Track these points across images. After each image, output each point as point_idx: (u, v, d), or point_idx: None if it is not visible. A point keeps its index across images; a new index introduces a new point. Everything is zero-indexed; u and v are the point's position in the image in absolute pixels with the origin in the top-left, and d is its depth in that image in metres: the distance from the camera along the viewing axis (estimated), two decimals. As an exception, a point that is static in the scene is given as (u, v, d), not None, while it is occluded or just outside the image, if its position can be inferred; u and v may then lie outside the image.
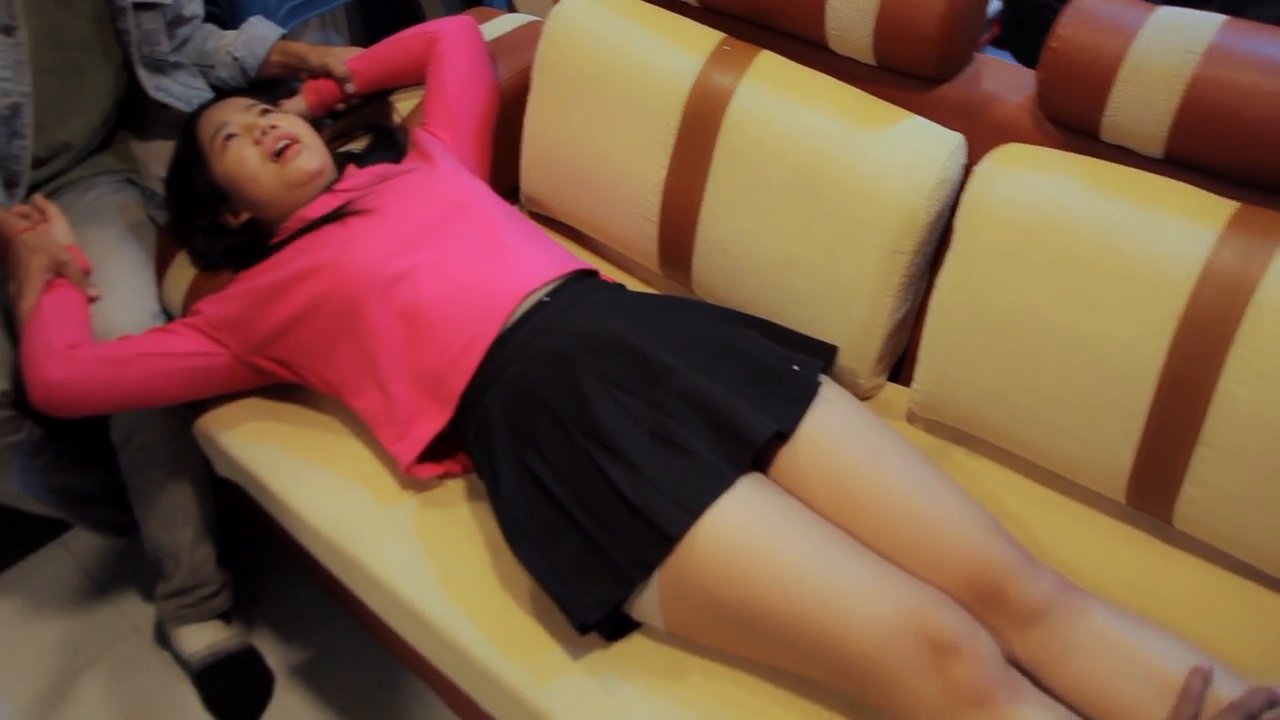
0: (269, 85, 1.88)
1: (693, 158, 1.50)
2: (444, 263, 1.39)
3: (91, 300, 1.53)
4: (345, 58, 1.78)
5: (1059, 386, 1.27)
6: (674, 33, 1.54)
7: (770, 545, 1.15)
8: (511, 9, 2.64)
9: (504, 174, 1.77)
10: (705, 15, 1.56)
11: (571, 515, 1.22)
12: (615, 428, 1.23)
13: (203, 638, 1.75)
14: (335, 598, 1.74)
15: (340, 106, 1.81)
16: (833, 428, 1.28)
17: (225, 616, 1.79)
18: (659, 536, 1.16)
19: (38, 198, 1.60)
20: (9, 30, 1.56)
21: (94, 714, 1.78)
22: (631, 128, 1.54)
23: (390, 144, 1.71)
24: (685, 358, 1.29)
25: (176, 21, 1.77)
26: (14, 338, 1.63)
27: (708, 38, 1.52)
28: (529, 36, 1.87)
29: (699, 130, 1.49)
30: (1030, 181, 1.29)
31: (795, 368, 1.33)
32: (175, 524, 1.68)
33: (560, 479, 1.24)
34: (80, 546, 2.03)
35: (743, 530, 1.16)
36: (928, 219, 1.37)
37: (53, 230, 1.55)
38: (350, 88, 1.77)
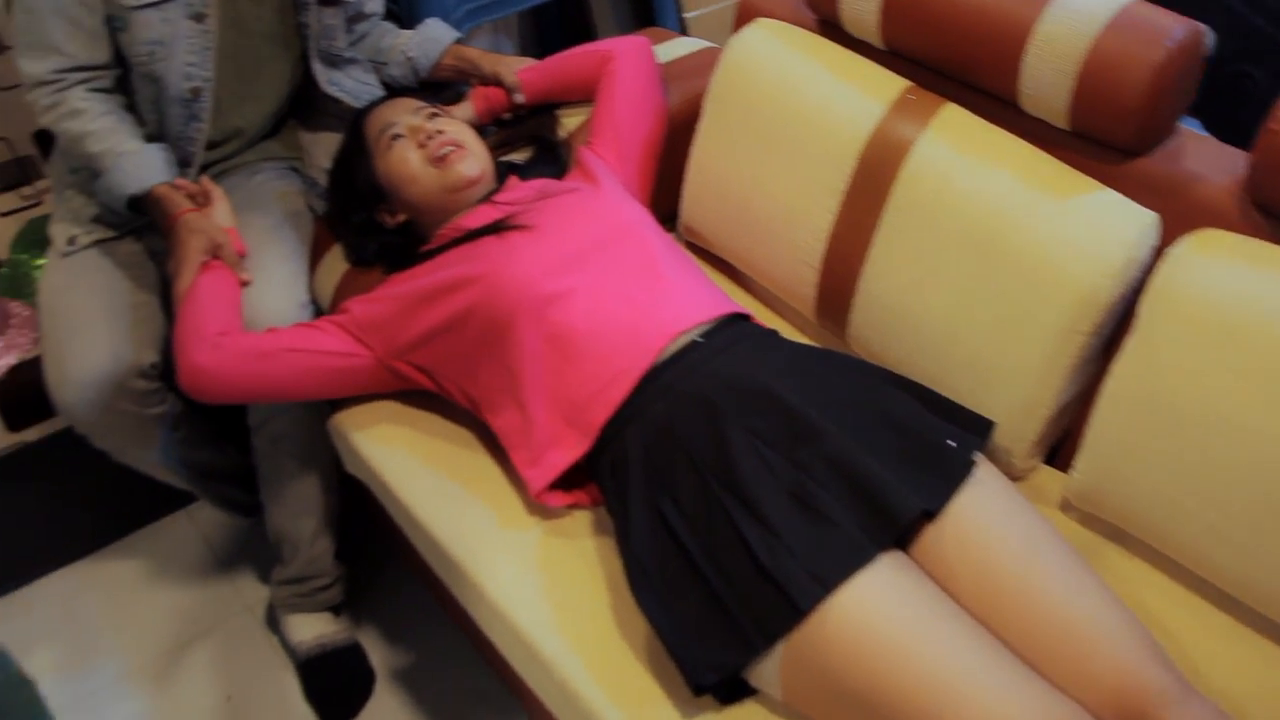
0: (438, 87, 1.89)
1: (864, 207, 1.44)
2: (599, 288, 1.36)
3: (243, 284, 1.55)
4: (517, 67, 1.77)
5: (1239, 498, 1.17)
6: (856, 75, 1.48)
7: (905, 633, 1.08)
8: (684, 32, 2.61)
9: (661, 200, 1.73)
10: (890, 60, 1.50)
11: (700, 569, 1.17)
12: (755, 484, 1.18)
13: (311, 628, 1.76)
14: (444, 606, 1.73)
15: (506, 115, 1.80)
16: (985, 513, 1.20)
17: (335, 609, 1.80)
18: (788, 606, 1.11)
19: (204, 179, 1.63)
20: (200, 18, 1.58)
21: (197, 687, 1.80)
22: (802, 168, 1.49)
23: (553, 158, 1.70)
24: (836, 419, 1.24)
25: (357, 18, 1.79)
26: (168, 312, 1.67)
27: (891, 84, 1.46)
28: (703, 63, 1.83)
29: (874, 179, 1.43)
30: (1229, 272, 1.20)
31: (951, 443, 1.26)
32: (299, 513, 1.69)
33: (692, 529, 1.20)
34: (204, 518, 2.06)
35: (878, 612, 1.09)
36: (1110, 300, 1.29)
37: (214, 213, 1.57)
38: (519, 98, 1.76)
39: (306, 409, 1.63)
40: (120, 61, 1.63)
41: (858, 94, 1.46)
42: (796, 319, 1.66)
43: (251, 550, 1.99)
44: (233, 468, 1.82)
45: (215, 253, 1.53)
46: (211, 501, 1.84)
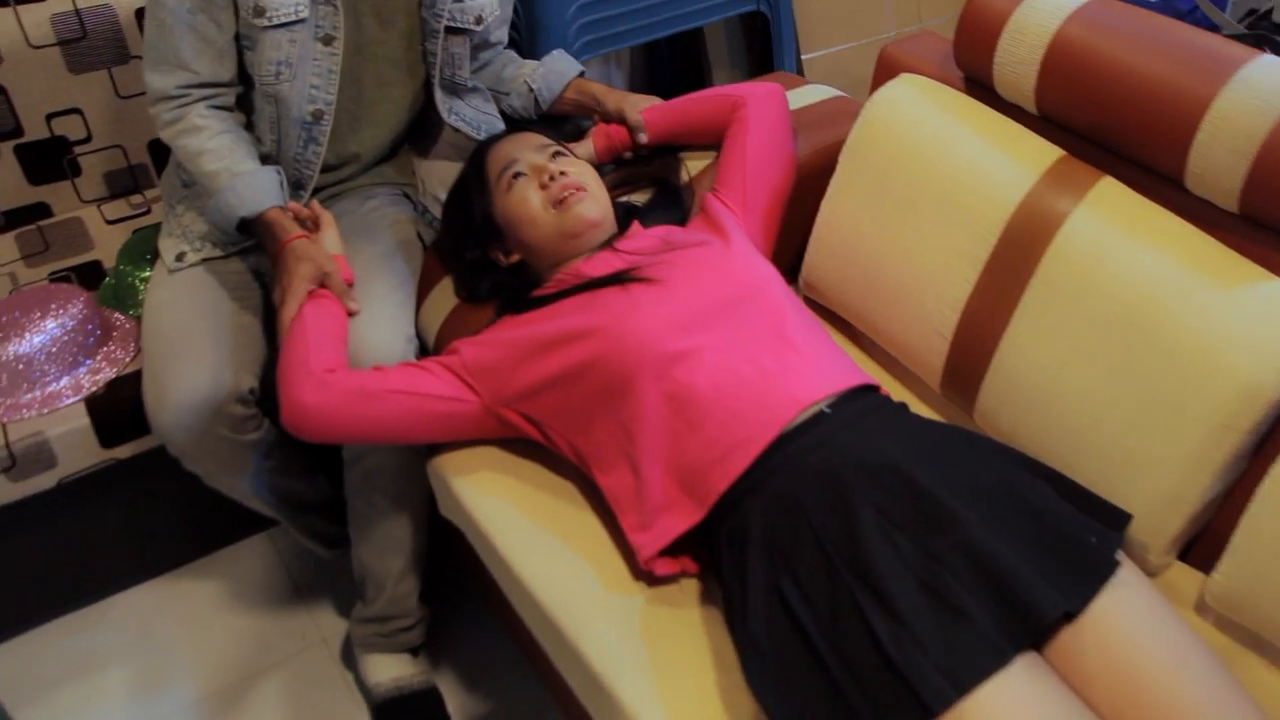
0: (557, 120, 1.85)
1: (1006, 279, 1.37)
2: (726, 351, 1.29)
3: (350, 314, 1.51)
4: (641, 106, 1.72)
5: None
6: (1006, 140, 1.41)
7: (1043, 745, 1.00)
8: (800, 73, 2.56)
9: (779, 251, 1.67)
10: (1043, 127, 1.42)
11: (821, 657, 1.10)
12: (886, 571, 1.11)
13: (389, 669, 1.70)
14: (530, 659, 1.67)
15: (627, 155, 1.75)
16: (1129, 618, 1.12)
17: (414, 650, 1.74)
18: (916, 707, 1.03)
19: (314, 204, 1.59)
20: (329, 40, 1.56)
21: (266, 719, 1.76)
22: (941, 233, 1.42)
23: (675, 203, 1.64)
24: (973, 506, 1.16)
25: (482, 46, 1.76)
26: (269, 336, 1.63)
27: (1044, 152, 1.39)
28: (832, 113, 1.77)
29: (1019, 251, 1.35)
30: None
31: (1092, 538, 1.17)
32: (387, 552, 1.64)
33: (815, 614, 1.13)
34: (285, 544, 2.02)
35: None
36: (1274, 397, 1.20)
37: (324, 239, 1.54)
38: (642, 138, 1.71)
39: (403, 447, 1.58)
40: (243, 80, 1.60)
41: (1008, 160, 1.39)
42: (917, 386, 1.58)
43: (330, 581, 1.95)
44: (321, 499, 1.78)
45: (323, 281, 1.49)
46: (296, 531, 1.80)
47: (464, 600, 1.89)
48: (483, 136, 1.73)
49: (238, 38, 1.56)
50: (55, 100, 1.92)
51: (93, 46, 1.92)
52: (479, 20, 1.66)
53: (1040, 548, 1.15)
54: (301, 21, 1.53)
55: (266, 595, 1.95)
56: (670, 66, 2.80)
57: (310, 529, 1.80)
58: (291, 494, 1.73)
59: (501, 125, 1.79)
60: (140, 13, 1.93)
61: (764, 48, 2.56)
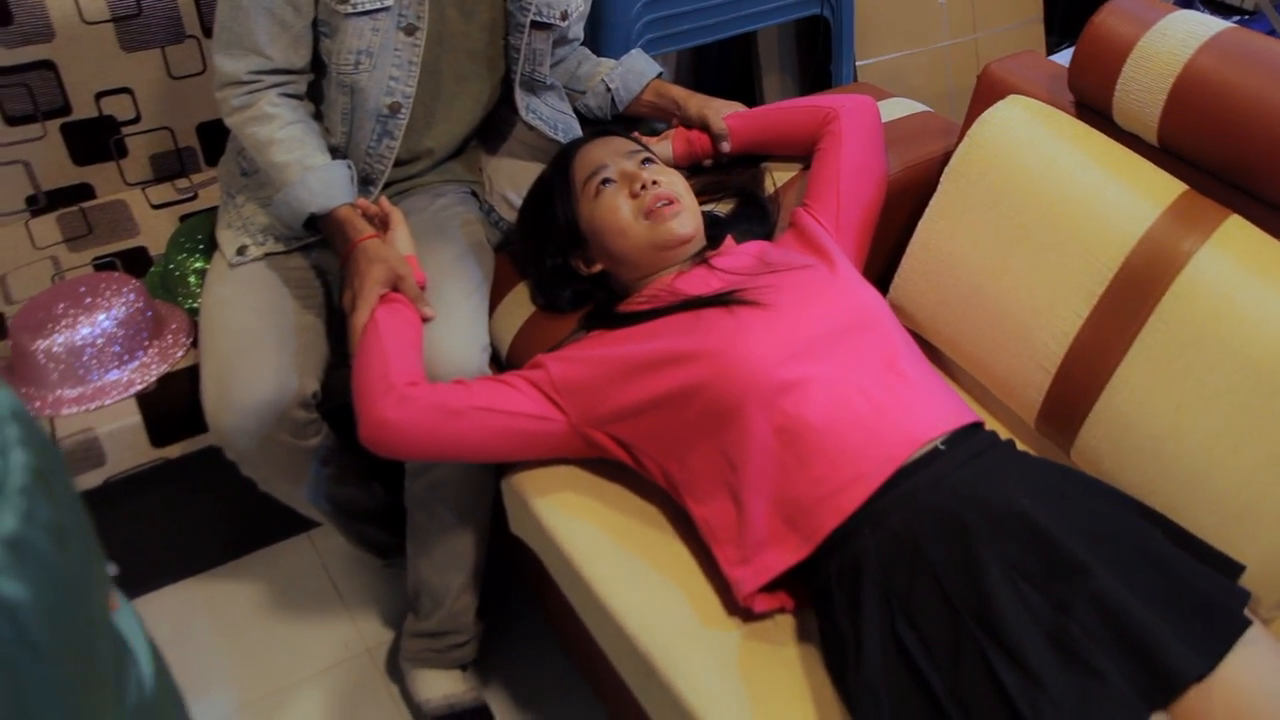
0: (631, 121, 1.79)
1: (1121, 316, 1.32)
2: (838, 382, 1.24)
3: (424, 319, 1.44)
4: (724, 112, 1.66)
5: None
6: (1127, 171, 1.35)
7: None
8: (855, 79, 2.50)
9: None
10: (1165, 160, 1.37)
11: (943, 709, 1.05)
12: (1013, 621, 1.06)
13: (440, 686, 1.64)
14: (591, 682, 1.61)
15: (706, 162, 1.69)
16: (1260, 679, 1.07)
17: (464, 666, 1.68)
18: (1050, 767, 0.99)
19: (384, 201, 1.52)
20: (412, 30, 1.49)
21: (308, 732, 1.70)
22: (1052, 264, 1.37)
23: (761, 216, 1.58)
24: (1099, 554, 1.11)
25: (560, 42, 1.69)
26: (332, 338, 1.57)
27: (1167, 186, 1.33)
28: (920, 128, 1.72)
29: (1138, 288, 1.30)
30: None
31: (1221, 593, 1.13)
32: (447, 567, 1.58)
33: (935, 662, 1.08)
34: (327, 547, 1.96)
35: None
36: None
37: (395, 238, 1.47)
38: (725, 147, 1.65)
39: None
40: (315, 68, 1.53)
41: (1129, 192, 1.33)
42: (1008, 418, 1.53)
43: (374, 587, 1.88)
44: (377, 507, 1.71)
45: (396, 284, 1.42)
46: (349, 539, 1.73)
47: (517, 615, 1.83)
48: (559, 135, 1.67)
49: (315, 23, 1.49)
50: (105, 79, 1.85)
51: (147, 24, 1.84)
52: (564, 16, 1.60)
53: (1168, 601, 1.10)
54: (385, 9, 1.46)
55: (307, 600, 1.88)
56: (718, 67, 2.73)
57: (364, 537, 1.73)
58: (348, 502, 1.66)
59: (578, 126, 1.72)
60: (200, -9, 1.86)
61: (816, 52, 2.50)
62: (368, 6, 1.45)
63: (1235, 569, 1.23)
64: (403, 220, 1.50)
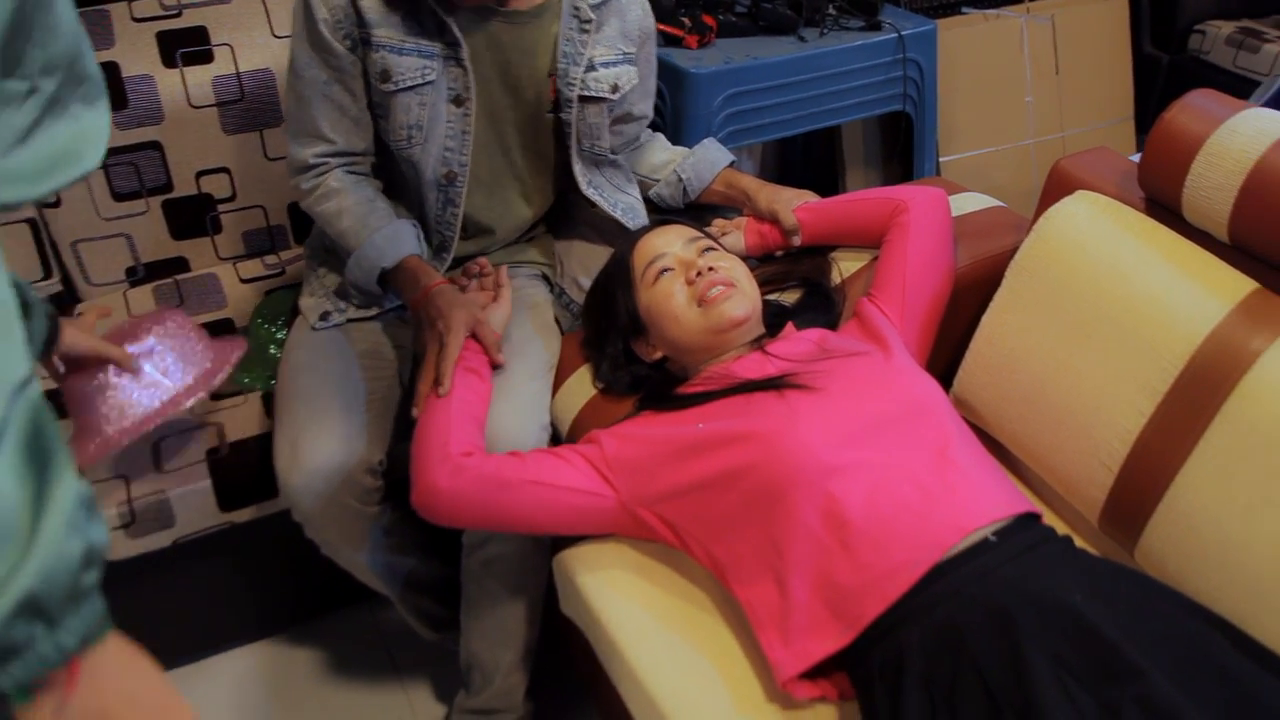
0: (702, 210, 1.81)
1: (1186, 414, 1.28)
2: (887, 468, 1.22)
3: (495, 367, 1.48)
4: (794, 204, 1.68)
5: None
6: (1195, 268, 1.33)
7: None
8: (938, 174, 2.50)
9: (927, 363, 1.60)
10: (1234, 256, 1.34)
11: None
12: (1058, 722, 1.02)
13: (487, 764, 1.63)
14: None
15: (778, 253, 1.71)
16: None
17: (512, 746, 1.67)
18: None
19: (503, 272, 1.58)
20: (460, 101, 1.55)
21: (356, 803, 1.69)
22: (1117, 360, 1.34)
23: (826, 306, 1.58)
24: (1154, 657, 1.06)
25: (624, 118, 1.72)
26: (399, 414, 1.60)
27: (1237, 283, 1.30)
28: (991, 223, 1.71)
29: (1204, 387, 1.27)
30: None
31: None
32: (499, 643, 1.58)
33: (975, 761, 1.04)
34: (385, 617, 1.97)
35: None
36: None
37: (498, 310, 1.53)
38: (796, 240, 1.67)
39: (526, 536, 1.53)
40: (382, 151, 1.60)
41: (1197, 289, 1.30)
42: (1070, 514, 1.49)
43: (430, 661, 1.89)
44: (434, 580, 1.72)
45: (475, 329, 1.46)
46: (405, 610, 1.74)
47: (569, 700, 1.81)
48: (618, 214, 1.70)
49: (371, 106, 1.56)
50: (206, 159, 1.94)
51: (248, 109, 1.94)
52: (614, 89, 1.64)
53: (1229, 712, 1.05)
54: (429, 84, 1.52)
55: (363, 669, 1.89)
56: (803, 159, 2.76)
57: (419, 609, 1.74)
58: (406, 572, 1.68)
59: (642, 209, 1.76)
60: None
61: (900, 147, 2.51)
62: (410, 83, 1.52)
63: (1305, 682, 1.17)
64: (509, 297, 1.55)
